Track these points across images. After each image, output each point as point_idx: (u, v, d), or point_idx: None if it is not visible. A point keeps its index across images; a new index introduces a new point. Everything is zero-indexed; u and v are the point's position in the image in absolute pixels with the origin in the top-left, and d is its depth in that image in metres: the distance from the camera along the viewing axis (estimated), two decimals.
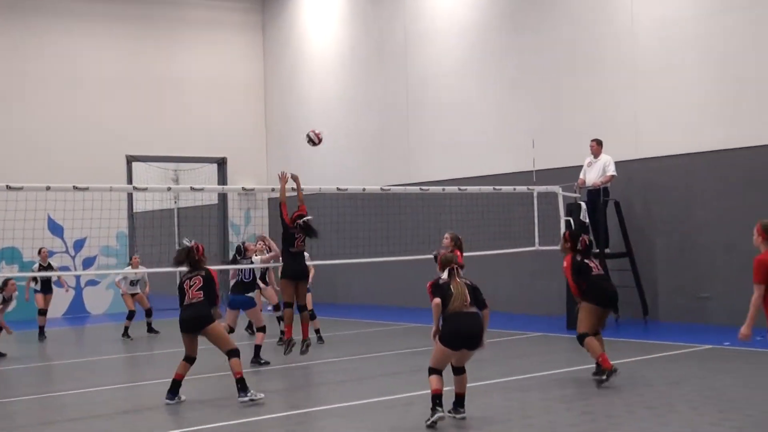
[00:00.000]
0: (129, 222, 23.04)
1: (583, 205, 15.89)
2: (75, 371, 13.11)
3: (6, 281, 14.82)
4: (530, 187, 16.08)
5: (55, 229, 21.58)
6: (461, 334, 8.06)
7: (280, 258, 12.44)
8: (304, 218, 12.05)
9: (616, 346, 13.45)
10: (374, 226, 19.26)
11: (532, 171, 16.63)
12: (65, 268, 20.80)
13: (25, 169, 20.35)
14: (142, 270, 16.93)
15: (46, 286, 17.18)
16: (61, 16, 23.02)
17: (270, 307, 15.95)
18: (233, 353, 9.59)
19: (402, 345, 14.42)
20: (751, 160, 15.16)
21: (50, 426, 9.17)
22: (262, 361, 12.24)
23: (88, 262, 22.49)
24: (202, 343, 9.81)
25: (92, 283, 22.86)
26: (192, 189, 13.50)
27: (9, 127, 22.03)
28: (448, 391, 8.25)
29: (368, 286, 22.31)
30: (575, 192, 16.34)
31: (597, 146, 16.23)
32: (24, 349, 15.66)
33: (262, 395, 9.55)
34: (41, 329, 16.79)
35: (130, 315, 16.84)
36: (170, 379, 9.74)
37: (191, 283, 9.81)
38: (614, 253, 16.35)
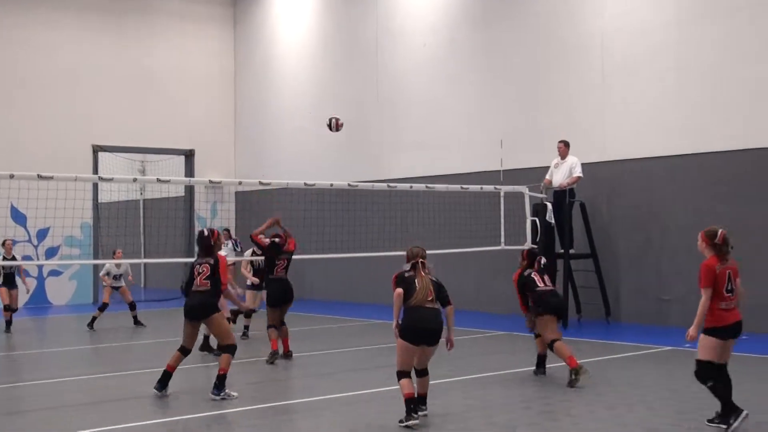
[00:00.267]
0: (94, 212, 22.83)
1: (549, 205, 16.02)
2: (41, 362, 13.01)
3: None
4: (497, 186, 16.17)
5: (18, 217, 21.35)
6: (421, 328, 8.04)
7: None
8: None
9: (578, 347, 13.55)
10: (341, 222, 19.26)
11: (499, 171, 16.71)
12: (28, 258, 20.60)
13: None
14: (125, 261, 16.79)
15: (10, 281, 16.83)
16: (28, 5, 22.75)
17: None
18: (229, 349, 9.64)
19: (366, 341, 14.44)
20: (714, 165, 15.36)
21: (18, 415, 9.08)
22: (215, 353, 12.29)
23: (51, 252, 22.27)
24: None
25: (55, 273, 22.65)
26: (158, 181, 13.42)
27: None
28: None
29: (334, 282, 22.29)
30: (542, 192, 16.44)
31: (564, 147, 16.35)
32: None
33: (236, 395, 9.49)
34: (7, 323, 16.50)
35: (103, 307, 16.68)
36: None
37: (200, 270, 9.77)
38: (578, 254, 16.48)
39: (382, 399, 9.35)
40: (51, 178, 12.20)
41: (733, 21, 15.21)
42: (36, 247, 22.16)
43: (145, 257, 25.28)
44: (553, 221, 16.00)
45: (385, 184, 16.70)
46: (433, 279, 8.33)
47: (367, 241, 18.78)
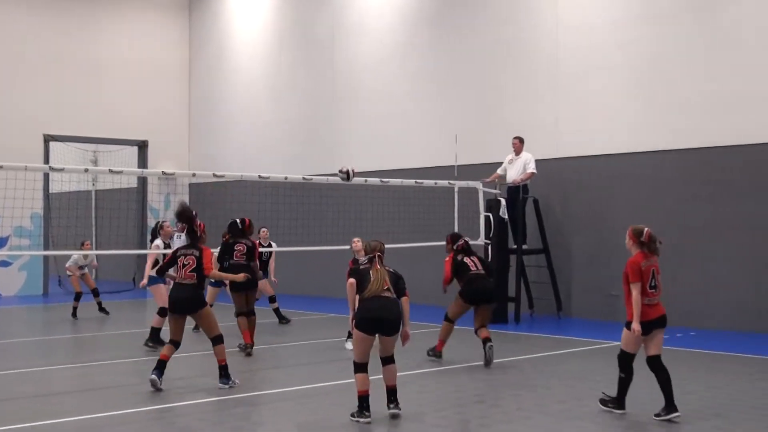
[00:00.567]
0: (45, 203, 22.52)
1: (503, 201, 16.15)
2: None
3: None
4: (451, 182, 16.24)
5: None
6: (376, 317, 7.96)
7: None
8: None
9: (529, 341, 13.75)
10: (295, 216, 19.23)
11: (454, 166, 16.79)
12: None
13: None
14: (92, 253, 16.70)
15: None
16: None
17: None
18: (218, 340, 9.68)
19: (321, 335, 14.45)
20: (663, 163, 15.60)
21: None
22: (156, 345, 12.33)
23: None
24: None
25: (4, 264, 22.30)
26: (111, 171, 13.25)
27: None
28: (376, 380, 8.26)
29: (288, 276, 22.22)
30: (495, 189, 16.56)
31: (519, 144, 16.48)
32: None
33: (238, 382, 9.70)
34: None
35: (77, 296, 16.93)
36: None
37: (185, 262, 9.68)
38: (531, 250, 16.64)
39: (335, 392, 9.38)
40: (0, 167, 11.98)
41: (684, 19, 15.44)
42: None
43: (96, 249, 24.96)
44: (506, 217, 16.13)
45: (339, 178, 16.70)
46: (390, 270, 8.31)
47: (322, 235, 18.78)
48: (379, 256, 8.31)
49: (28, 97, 22.64)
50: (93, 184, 26.37)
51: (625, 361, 8.23)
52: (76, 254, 17.00)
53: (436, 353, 11.51)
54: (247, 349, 12.10)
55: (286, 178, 15.26)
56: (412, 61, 19.93)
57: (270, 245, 15.88)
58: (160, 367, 9.49)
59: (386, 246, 8.62)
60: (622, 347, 8.26)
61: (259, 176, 14.47)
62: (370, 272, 8.18)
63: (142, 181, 24.54)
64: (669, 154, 15.57)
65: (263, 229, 15.90)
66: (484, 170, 17.08)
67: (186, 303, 9.63)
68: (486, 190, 16.43)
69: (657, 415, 8.06)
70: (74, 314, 16.85)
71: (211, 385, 9.71)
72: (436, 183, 16.29)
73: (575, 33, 16.91)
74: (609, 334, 13.99)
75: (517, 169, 16.40)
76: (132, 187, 24.73)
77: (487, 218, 15.99)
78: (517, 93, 17.82)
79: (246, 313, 12.30)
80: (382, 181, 16.02)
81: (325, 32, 21.94)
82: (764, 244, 14.35)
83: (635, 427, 7.92)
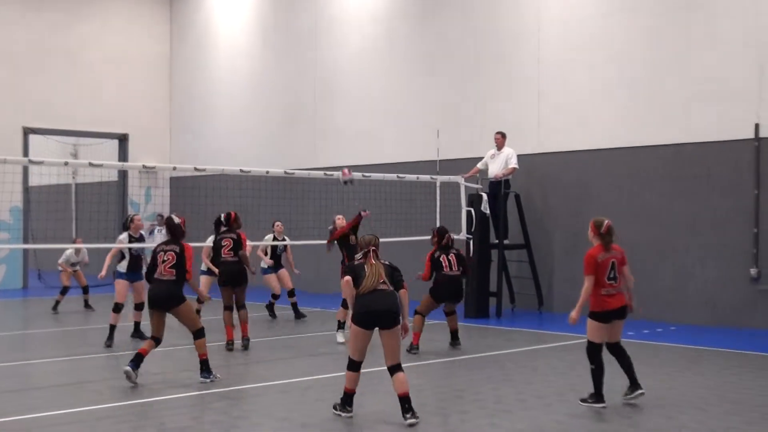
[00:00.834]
0: (24, 196, 22.34)
1: (485, 196, 16.16)
2: None
3: None
4: (433, 176, 16.24)
5: None
6: (372, 310, 7.80)
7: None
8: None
9: (510, 336, 13.78)
10: (277, 210, 19.16)
11: (435, 161, 16.79)
12: None
13: None
14: (83, 246, 16.64)
15: None
16: None
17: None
18: (199, 333, 9.65)
19: (303, 329, 14.43)
20: (643, 158, 15.66)
21: None
22: (140, 337, 12.36)
23: None
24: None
25: None
26: (91, 165, 13.13)
27: None
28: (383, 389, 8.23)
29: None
30: (477, 183, 16.57)
31: (501, 138, 16.49)
32: None
33: (219, 376, 9.70)
34: None
35: (64, 290, 16.94)
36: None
37: (164, 258, 9.62)
38: (513, 245, 16.67)
39: (316, 387, 9.37)
40: None
41: (665, 15, 15.48)
42: None
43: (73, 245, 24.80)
44: (488, 212, 16.15)
45: (321, 172, 16.67)
46: (386, 263, 8.18)
47: (304, 230, 18.74)
48: (373, 250, 8.20)
49: (7, 89, 22.45)
50: (73, 178, 26.20)
51: (593, 351, 8.42)
52: (68, 251, 16.96)
53: (414, 347, 11.69)
54: (230, 345, 12.05)
55: (267, 172, 15.21)
56: (394, 56, 19.91)
57: (284, 239, 15.81)
58: (137, 360, 9.41)
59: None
60: (588, 338, 8.48)
61: (241, 170, 14.43)
62: (365, 267, 8.04)
63: (123, 175, 24.41)
64: (648, 150, 15.63)
65: (278, 223, 15.82)
66: (466, 165, 17.09)
67: (163, 299, 9.55)
68: (468, 184, 16.44)
69: (625, 395, 8.48)
70: (55, 308, 16.78)
71: (193, 380, 9.67)
72: (418, 177, 16.29)
73: (557, 29, 16.93)
74: None
75: (499, 164, 16.42)
76: (113, 181, 24.59)
77: (468, 213, 16.01)
78: (499, 88, 17.83)
79: (232, 308, 12.21)
80: (364, 176, 15.99)
81: (307, 25, 21.87)
82: (742, 239, 14.43)
83: (614, 419, 7.94)
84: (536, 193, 17.18)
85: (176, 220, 9.97)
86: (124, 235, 12.82)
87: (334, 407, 8.04)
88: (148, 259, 10.10)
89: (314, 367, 10.66)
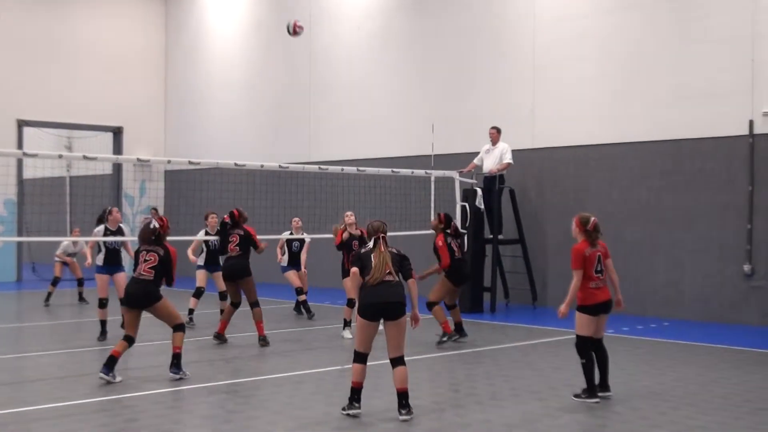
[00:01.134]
0: (18, 189, 22.30)
1: (479, 191, 16.17)
2: None
3: None
4: (428, 171, 16.25)
5: None
6: (376, 302, 7.66)
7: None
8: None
9: (504, 331, 13.81)
10: (271, 204, 19.16)
11: (430, 155, 16.80)
12: None
13: None
14: (81, 240, 16.62)
15: None
16: None
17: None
18: (178, 327, 9.62)
19: (298, 324, 14.43)
20: (638, 154, 15.69)
21: None
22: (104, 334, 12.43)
23: None
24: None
25: None
26: (85, 157, 13.09)
27: None
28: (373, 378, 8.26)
29: (264, 264, 22.15)
30: (471, 178, 16.58)
31: (496, 134, 16.50)
32: None
33: (189, 374, 9.57)
34: None
35: (54, 281, 16.92)
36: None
37: (146, 257, 9.53)
38: (507, 240, 16.69)
39: (310, 381, 9.38)
40: None
41: (660, 10, 15.50)
42: None
43: (70, 236, 24.76)
44: (482, 206, 16.17)
45: (316, 167, 16.67)
46: (394, 251, 8.02)
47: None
48: (382, 237, 8.01)
49: (1, 81, 22.38)
50: (67, 171, 26.14)
51: (583, 345, 8.46)
52: (65, 241, 16.93)
53: (450, 335, 11.95)
54: (220, 339, 12.08)
55: (262, 166, 15.19)
56: (389, 50, 19.90)
57: (302, 235, 15.55)
58: (110, 363, 9.22)
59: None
60: (577, 332, 8.51)
61: (235, 164, 14.40)
62: (372, 256, 7.87)
63: (117, 168, 24.38)
64: (643, 145, 15.66)
65: (295, 219, 15.60)
66: (461, 159, 17.10)
67: (139, 298, 9.45)
68: (462, 179, 16.45)
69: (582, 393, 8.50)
70: (47, 300, 16.77)
71: (188, 374, 9.66)
72: (412, 172, 16.28)
73: (551, 23, 16.94)
74: None
75: (493, 159, 16.43)
76: (107, 174, 24.55)
77: (463, 208, 16.02)
78: (493, 83, 17.84)
79: (238, 305, 12.12)
80: (358, 170, 15.99)
81: (303, 19, 21.75)
82: (736, 235, 14.47)
83: (606, 414, 7.97)
84: (531, 188, 17.20)
85: (155, 224, 9.75)
86: (99, 228, 12.60)
87: (343, 409, 7.85)
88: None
89: (304, 360, 10.64)
